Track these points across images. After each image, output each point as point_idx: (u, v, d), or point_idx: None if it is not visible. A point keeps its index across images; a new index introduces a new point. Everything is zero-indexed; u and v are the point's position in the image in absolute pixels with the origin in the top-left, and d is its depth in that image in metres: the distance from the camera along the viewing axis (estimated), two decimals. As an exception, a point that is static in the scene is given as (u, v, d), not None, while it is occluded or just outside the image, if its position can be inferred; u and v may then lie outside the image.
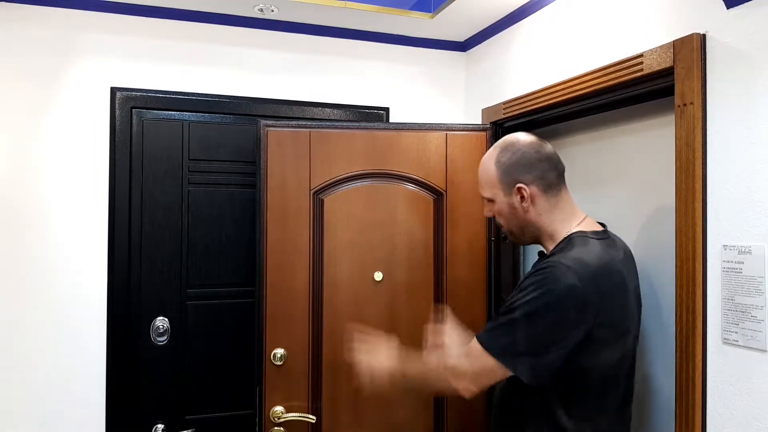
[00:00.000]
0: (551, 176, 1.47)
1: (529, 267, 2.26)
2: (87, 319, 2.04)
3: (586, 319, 1.31)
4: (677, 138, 1.42)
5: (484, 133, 2.14)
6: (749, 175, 1.28)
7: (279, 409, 1.98)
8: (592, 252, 1.38)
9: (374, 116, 2.39)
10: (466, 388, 1.40)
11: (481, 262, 2.13)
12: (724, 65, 1.33)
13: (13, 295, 1.97)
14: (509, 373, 1.35)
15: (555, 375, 1.34)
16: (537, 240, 1.53)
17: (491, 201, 1.53)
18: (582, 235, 1.43)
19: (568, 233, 1.45)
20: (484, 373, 1.38)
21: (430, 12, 2.16)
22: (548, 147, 1.51)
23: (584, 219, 1.50)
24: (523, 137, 1.52)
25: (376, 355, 1.61)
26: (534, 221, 1.48)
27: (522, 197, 1.47)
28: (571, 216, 1.49)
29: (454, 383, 1.41)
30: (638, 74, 1.55)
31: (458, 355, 1.44)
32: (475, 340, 1.40)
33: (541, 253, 1.57)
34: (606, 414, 1.42)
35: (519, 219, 1.49)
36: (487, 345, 1.36)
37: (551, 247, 1.48)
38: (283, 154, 2.02)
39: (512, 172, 1.48)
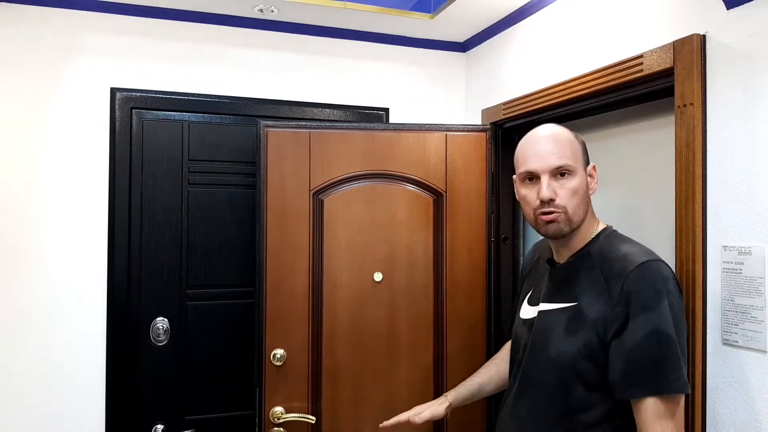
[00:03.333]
0: None
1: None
2: (87, 319, 2.04)
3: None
4: (677, 138, 1.43)
5: (483, 134, 2.14)
6: (749, 176, 1.28)
7: (279, 409, 1.98)
8: (644, 245, 1.33)
9: (374, 117, 2.39)
10: None
11: (481, 263, 2.13)
12: (724, 66, 1.33)
13: (13, 295, 1.97)
14: None
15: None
16: (579, 228, 1.36)
17: (568, 174, 1.32)
18: (615, 230, 1.39)
19: (596, 231, 1.38)
20: (682, 417, 1.22)
21: (430, 12, 2.17)
22: None
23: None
24: None
25: None
26: (588, 208, 1.37)
27: (591, 177, 1.37)
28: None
29: None
30: (638, 75, 1.55)
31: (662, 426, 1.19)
32: (657, 399, 1.19)
33: (550, 261, 1.45)
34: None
35: (587, 201, 1.36)
36: (682, 387, 1.19)
37: (579, 244, 1.37)
38: (283, 155, 2.02)
39: (587, 151, 1.39)
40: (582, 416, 1.28)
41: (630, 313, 1.22)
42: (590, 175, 1.37)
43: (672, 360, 1.19)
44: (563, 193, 1.32)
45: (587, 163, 1.38)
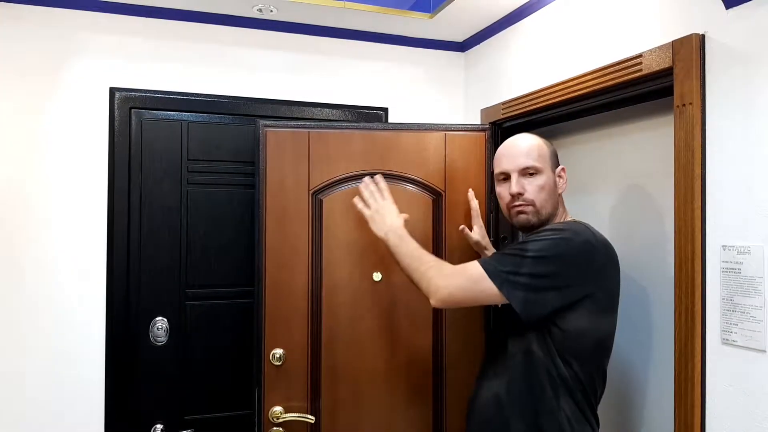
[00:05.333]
0: None
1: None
2: (86, 319, 2.04)
3: (590, 278, 1.41)
4: (676, 138, 1.43)
5: (483, 134, 2.14)
6: (748, 175, 1.28)
7: (278, 409, 1.98)
8: (598, 230, 1.51)
9: (373, 116, 2.39)
10: (443, 297, 1.48)
11: (481, 263, 2.13)
12: (723, 65, 1.34)
13: (11, 295, 1.97)
14: (498, 300, 1.44)
15: (554, 331, 1.41)
16: (548, 221, 1.58)
17: (536, 173, 1.56)
18: (580, 222, 1.56)
19: (563, 220, 1.60)
20: (470, 290, 1.46)
21: (429, 12, 2.17)
22: None
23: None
24: None
25: (387, 212, 1.75)
26: (557, 204, 1.60)
27: (560, 177, 1.60)
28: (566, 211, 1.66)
29: (436, 281, 1.49)
30: (637, 74, 1.55)
31: (453, 268, 1.52)
32: (475, 262, 1.48)
33: None
34: (601, 384, 1.49)
35: (555, 197, 1.59)
36: (487, 268, 1.44)
37: None
38: (282, 155, 2.02)
39: (557, 156, 1.63)
40: (517, 344, 1.49)
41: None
42: (559, 176, 1.60)
43: (507, 256, 1.44)
44: (531, 188, 1.55)
45: (556, 165, 1.61)
